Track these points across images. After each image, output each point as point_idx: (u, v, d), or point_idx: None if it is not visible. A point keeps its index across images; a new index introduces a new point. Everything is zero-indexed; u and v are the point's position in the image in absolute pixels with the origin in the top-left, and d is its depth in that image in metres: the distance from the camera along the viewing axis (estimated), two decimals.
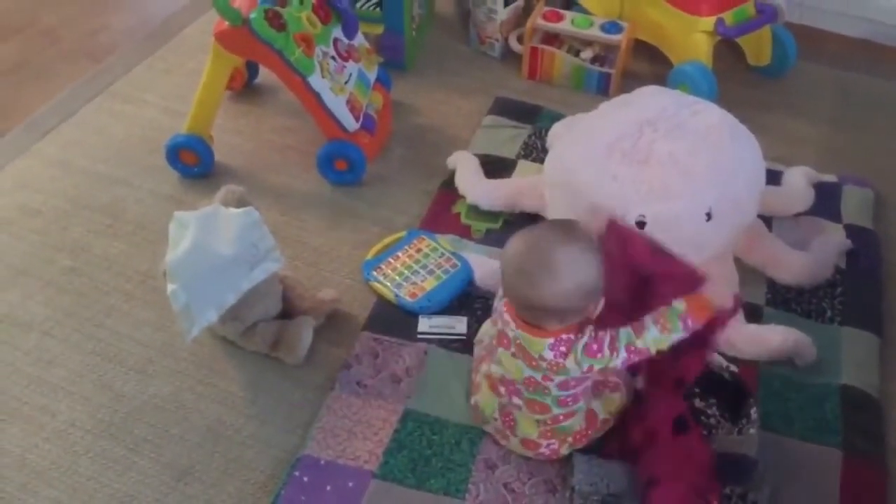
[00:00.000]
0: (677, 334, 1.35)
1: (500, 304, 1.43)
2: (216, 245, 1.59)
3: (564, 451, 1.50)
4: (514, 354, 1.39)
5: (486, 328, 1.65)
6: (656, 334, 1.34)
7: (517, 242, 1.33)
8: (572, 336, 1.33)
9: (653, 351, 1.35)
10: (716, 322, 1.39)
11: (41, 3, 2.88)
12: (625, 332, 1.34)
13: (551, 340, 1.33)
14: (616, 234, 1.45)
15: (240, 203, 1.69)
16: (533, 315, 1.34)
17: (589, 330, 1.34)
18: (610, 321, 1.37)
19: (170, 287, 1.57)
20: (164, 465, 1.55)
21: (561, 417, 1.44)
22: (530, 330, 1.35)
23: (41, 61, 2.61)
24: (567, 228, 1.35)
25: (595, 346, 1.33)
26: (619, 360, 1.34)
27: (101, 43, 2.70)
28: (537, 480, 1.51)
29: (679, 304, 1.36)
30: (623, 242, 1.42)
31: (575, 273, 1.29)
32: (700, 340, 1.40)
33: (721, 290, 1.38)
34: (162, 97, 2.41)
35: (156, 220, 2.00)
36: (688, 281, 1.39)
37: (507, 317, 1.38)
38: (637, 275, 1.40)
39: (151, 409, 1.64)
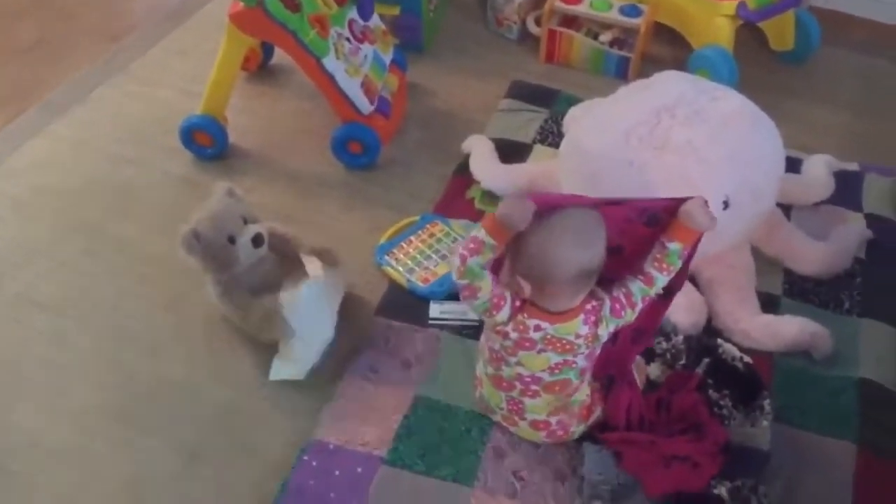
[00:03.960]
0: (676, 270, 1.38)
1: (505, 320, 1.37)
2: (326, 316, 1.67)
3: (574, 429, 1.49)
4: (540, 351, 1.38)
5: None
6: (663, 279, 1.37)
7: (545, 226, 1.29)
8: (594, 304, 1.35)
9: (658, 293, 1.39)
10: (698, 240, 1.39)
11: None
12: (637, 286, 1.37)
13: (582, 316, 1.35)
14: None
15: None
16: (574, 289, 1.32)
17: (603, 294, 1.36)
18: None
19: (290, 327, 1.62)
20: (175, 447, 1.56)
21: (575, 388, 1.44)
22: (560, 318, 1.35)
23: (59, 40, 2.61)
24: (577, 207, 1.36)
25: (618, 306, 1.36)
26: (636, 312, 1.38)
27: (118, 23, 2.69)
28: (546, 469, 1.50)
29: (674, 245, 1.35)
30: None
31: (600, 234, 1.31)
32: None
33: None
34: (177, 78, 2.41)
35: (169, 202, 2.00)
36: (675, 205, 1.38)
37: (529, 321, 1.36)
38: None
39: (163, 392, 1.64)
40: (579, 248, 1.28)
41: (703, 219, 1.33)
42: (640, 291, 1.36)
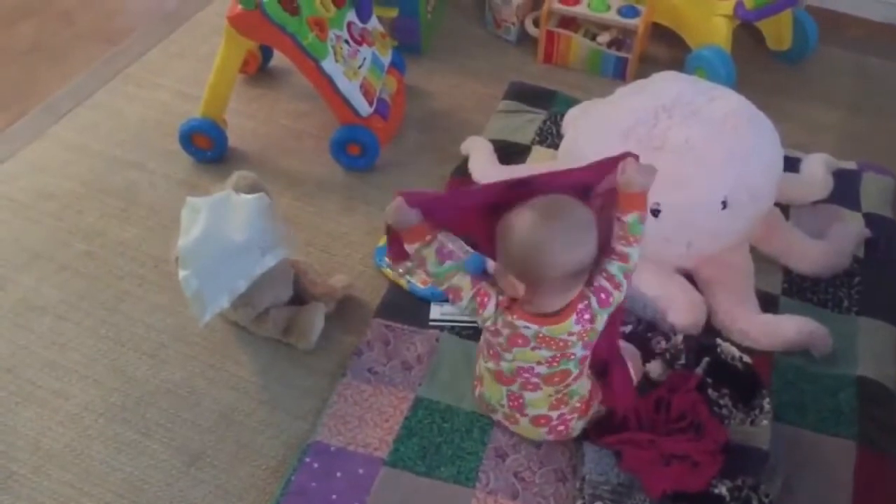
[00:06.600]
0: (642, 236, 1.38)
1: (499, 318, 1.38)
2: (228, 231, 1.60)
3: (574, 424, 1.50)
4: (534, 348, 1.38)
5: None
6: (636, 250, 1.38)
7: (536, 226, 1.28)
8: (584, 303, 1.35)
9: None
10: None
11: None
12: (615, 267, 1.37)
13: (574, 317, 1.35)
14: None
15: (252, 189, 1.69)
16: (568, 286, 1.32)
17: (588, 292, 1.36)
18: None
19: (182, 273, 1.58)
20: (176, 450, 1.56)
21: (575, 378, 1.44)
22: (550, 320, 1.35)
23: (57, 43, 2.61)
24: (564, 197, 1.35)
25: (603, 296, 1.36)
26: (625, 288, 1.38)
27: (116, 26, 2.70)
28: (547, 470, 1.50)
29: (630, 216, 1.36)
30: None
31: (592, 231, 1.31)
32: None
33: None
34: (176, 81, 2.41)
35: (169, 205, 2.00)
36: (612, 167, 1.38)
37: (519, 322, 1.36)
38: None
39: (163, 394, 1.65)
40: (573, 247, 1.29)
41: (643, 178, 1.35)
42: (619, 270, 1.37)
